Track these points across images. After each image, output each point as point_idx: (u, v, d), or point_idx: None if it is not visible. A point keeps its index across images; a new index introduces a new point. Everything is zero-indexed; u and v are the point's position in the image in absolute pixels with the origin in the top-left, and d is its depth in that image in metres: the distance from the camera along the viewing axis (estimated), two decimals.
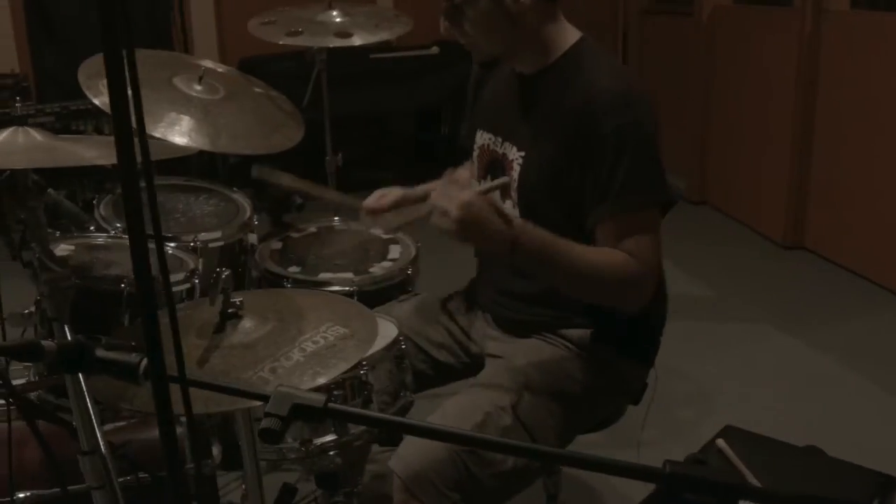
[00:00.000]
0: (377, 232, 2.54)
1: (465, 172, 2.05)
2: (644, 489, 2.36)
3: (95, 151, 1.34)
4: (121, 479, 1.59)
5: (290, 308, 1.45)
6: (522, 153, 1.78)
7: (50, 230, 1.83)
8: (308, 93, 3.11)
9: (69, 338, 1.29)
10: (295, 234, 2.51)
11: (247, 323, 1.38)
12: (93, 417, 1.30)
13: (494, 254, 1.65)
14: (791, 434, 2.77)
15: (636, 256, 1.67)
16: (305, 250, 2.43)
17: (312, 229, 2.56)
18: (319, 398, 0.90)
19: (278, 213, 2.55)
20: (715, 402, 3.06)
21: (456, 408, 1.74)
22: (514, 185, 1.79)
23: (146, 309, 0.88)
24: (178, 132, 2.26)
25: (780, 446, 1.87)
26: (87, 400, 1.29)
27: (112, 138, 0.82)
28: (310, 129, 3.11)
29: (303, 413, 0.89)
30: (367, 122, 5.25)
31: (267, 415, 0.88)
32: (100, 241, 1.99)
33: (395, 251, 2.43)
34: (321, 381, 1.25)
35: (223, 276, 1.33)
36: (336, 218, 2.61)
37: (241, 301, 1.39)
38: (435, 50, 4.61)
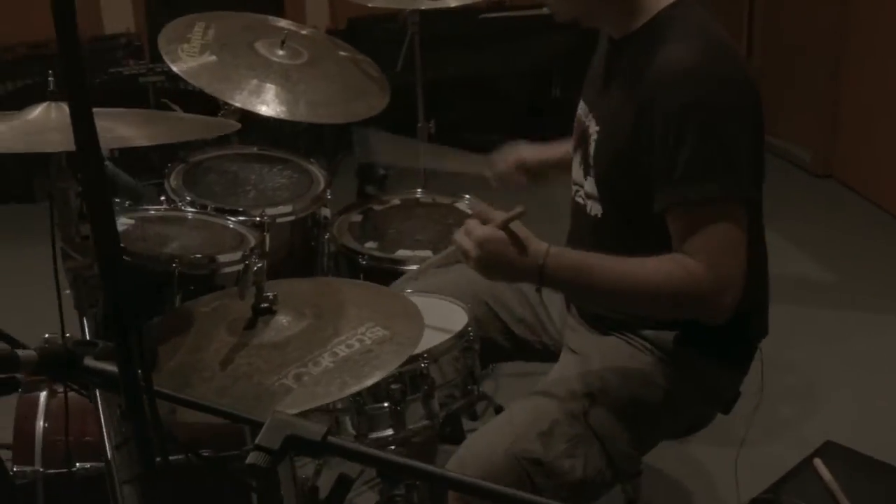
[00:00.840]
0: (463, 206, 2.42)
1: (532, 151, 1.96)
2: (724, 491, 2.20)
3: (134, 130, 1.24)
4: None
5: (330, 302, 1.35)
6: (598, 128, 1.63)
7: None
8: (401, 57, 2.99)
9: (87, 333, 1.22)
10: (377, 207, 2.41)
11: (281, 318, 1.29)
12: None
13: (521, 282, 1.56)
14: None
15: (701, 260, 1.46)
16: (386, 224, 2.33)
17: (396, 202, 2.45)
18: (318, 430, 0.79)
19: (361, 183, 2.44)
20: (826, 401, 2.83)
21: (523, 411, 1.61)
22: (591, 164, 1.64)
23: (114, 311, 0.77)
24: (256, 100, 2.19)
25: (886, 470, 1.67)
26: None
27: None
28: (404, 95, 3.02)
29: (297, 447, 0.78)
30: (475, 84, 5.11)
31: (256, 448, 0.78)
32: (160, 214, 1.93)
33: None
34: (349, 391, 1.14)
35: (255, 269, 1.23)
36: (419, 190, 2.49)
37: (275, 296, 1.29)
38: (547, 9, 4.40)
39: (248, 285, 1.26)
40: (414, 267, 2.09)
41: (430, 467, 0.75)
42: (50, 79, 1.35)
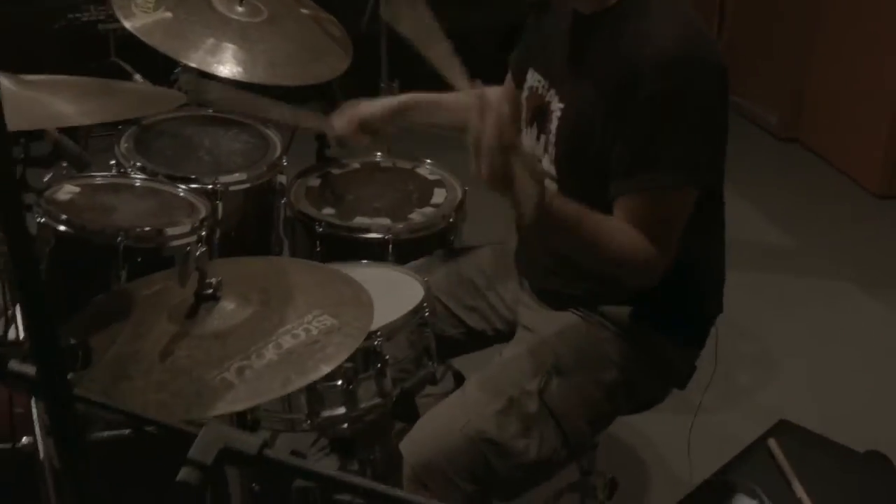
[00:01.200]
0: (424, 172, 2.38)
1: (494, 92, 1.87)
2: (678, 462, 2.21)
3: (73, 106, 1.17)
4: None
5: (278, 287, 1.31)
6: (562, 105, 1.58)
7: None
8: (367, 13, 2.92)
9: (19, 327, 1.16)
10: (336, 171, 2.35)
11: (226, 305, 1.25)
12: None
13: (517, 210, 1.41)
14: (859, 417, 2.59)
15: (655, 242, 1.47)
16: (345, 188, 2.28)
17: (356, 165, 2.39)
18: (254, 442, 0.76)
19: (321, 146, 2.38)
20: (781, 367, 2.85)
21: (478, 390, 1.60)
22: (553, 140, 1.60)
23: (32, 310, 0.72)
24: (213, 60, 2.12)
25: (838, 451, 1.68)
26: None
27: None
28: (369, 52, 2.94)
29: (232, 460, 0.75)
30: (449, 38, 5.03)
31: (188, 462, 0.75)
32: (108, 181, 1.86)
33: (439, 195, 2.26)
34: (291, 388, 1.11)
35: (197, 253, 1.18)
36: (379, 154, 2.44)
37: (218, 282, 1.24)
38: None
39: (189, 271, 1.21)
40: (374, 235, 2.06)
41: (372, 485, 0.73)
42: None
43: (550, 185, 1.55)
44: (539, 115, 1.66)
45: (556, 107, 1.60)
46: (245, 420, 1.36)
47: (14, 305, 1.16)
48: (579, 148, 1.54)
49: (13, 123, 1.10)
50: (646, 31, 1.46)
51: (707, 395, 1.90)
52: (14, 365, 0.82)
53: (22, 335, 1.12)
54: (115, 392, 1.10)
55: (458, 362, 2.41)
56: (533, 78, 1.69)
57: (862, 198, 4.02)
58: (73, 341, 0.97)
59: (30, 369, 0.83)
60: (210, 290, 1.23)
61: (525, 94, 1.72)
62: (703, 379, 1.81)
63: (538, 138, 1.66)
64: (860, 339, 3.00)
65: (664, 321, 1.65)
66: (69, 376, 0.81)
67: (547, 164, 1.62)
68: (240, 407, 1.08)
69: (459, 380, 2.52)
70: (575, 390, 1.60)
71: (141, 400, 1.09)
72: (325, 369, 1.17)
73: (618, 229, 1.48)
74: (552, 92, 1.62)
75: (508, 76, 1.88)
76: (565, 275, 1.67)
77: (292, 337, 1.20)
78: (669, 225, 1.49)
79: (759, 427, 2.38)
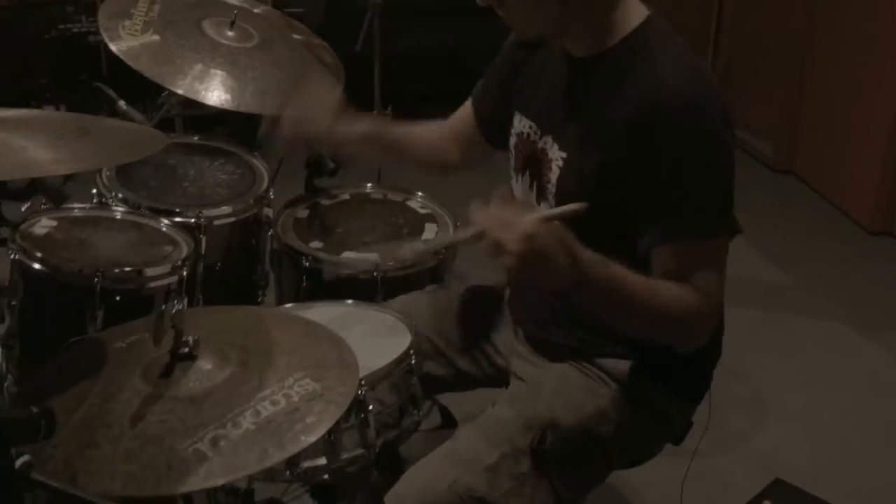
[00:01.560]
0: (415, 205, 2.32)
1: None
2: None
3: (49, 153, 1.09)
4: None
5: (258, 344, 1.24)
6: (564, 154, 1.52)
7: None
8: (360, 39, 2.87)
9: None
10: (325, 202, 2.29)
11: (203, 364, 1.18)
12: None
13: (553, 291, 1.38)
14: (852, 462, 2.54)
15: (702, 293, 1.42)
16: (334, 221, 2.22)
17: (345, 196, 2.34)
18: None
19: (310, 176, 2.32)
20: (775, 411, 2.79)
21: (469, 443, 1.53)
22: (552, 190, 1.54)
23: None
24: (200, 87, 2.06)
25: None
26: None
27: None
28: (364, 76, 2.89)
29: None
30: (440, 59, 4.97)
31: None
32: (86, 213, 1.79)
33: (430, 230, 2.20)
34: (269, 462, 1.05)
35: (173, 311, 1.12)
36: (370, 185, 2.38)
37: (195, 340, 1.18)
38: None
39: (164, 329, 1.14)
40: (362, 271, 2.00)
41: None
42: None
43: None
44: (532, 163, 1.60)
45: (557, 155, 1.53)
46: None
47: None
48: (585, 196, 1.48)
49: None
50: (654, 75, 1.41)
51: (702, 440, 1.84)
52: None
53: None
54: (80, 461, 1.03)
55: (445, 397, 2.35)
56: (522, 124, 1.63)
57: (856, 234, 3.99)
58: (34, 410, 0.90)
59: None
60: (186, 349, 1.17)
61: (513, 140, 1.66)
62: (698, 425, 1.76)
63: (531, 186, 1.61)
64: (854, 382, 2.95)
65: (664, 375, 1.59)
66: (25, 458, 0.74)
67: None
68: (213, 483, 1.02)
69: (446, 415, 2.47)
70: (570, 447, 1.54)
71: (108, 471, 1.02)
72: (305, 441, 1.10)
73: (663, 287, 1.42)
74: (548, 139, 1.56)
75: (467, 107, 1.81)
76: (561, 325, 1.62)
77: (271, 403, 1.13)
78: (714, 273, 1.45)
79: (752, 475, 2.34)
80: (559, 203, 1.52)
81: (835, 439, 2.66)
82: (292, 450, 1.08)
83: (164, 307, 1.11)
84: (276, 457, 1.06)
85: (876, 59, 3.97)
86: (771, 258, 3.68)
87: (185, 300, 1.15)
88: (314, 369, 1.21)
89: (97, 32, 4.40)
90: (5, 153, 1.02)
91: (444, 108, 1.92)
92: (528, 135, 1.61)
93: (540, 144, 1.57)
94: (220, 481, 1.02)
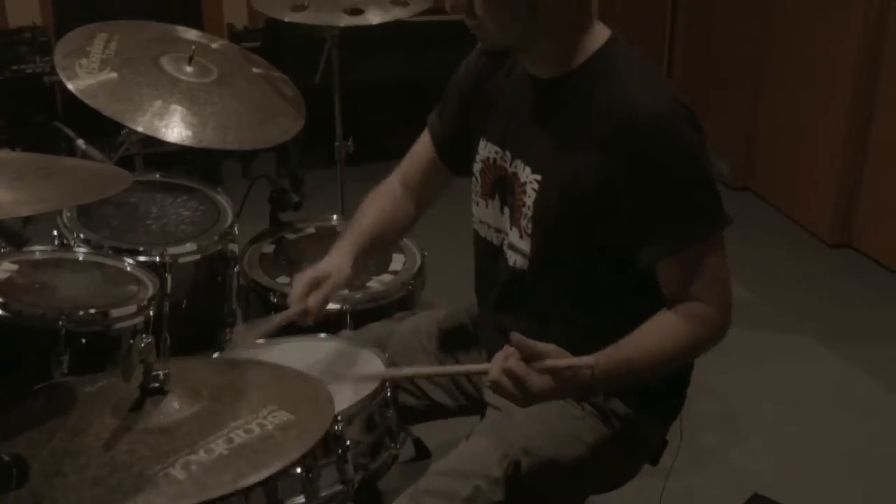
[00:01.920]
0: None
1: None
2: None
3: (8, 194, 1.07)
4: None
5: (231, 383, 1.22)
6: (538, 176, 1.52)
7: None
8: (320, 70, 2.87)
9: None
10: (290, 236, 2.29)
11: (172, 401, 1.16)
12: None
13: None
14: (829, 475, 2.56)
15: (709, 301, 1.47)
16: (300, 254, 2.21)
17: (311, 230, 2.33)
18: None
19: (274, 210, 2.31)
20: (746, 426, 2.81)
21: (444, 476, 1.52)
22: (528, 213, 1.54)
23: None
24: (160, 124, 2.04)
25: None
26: None
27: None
28: (325, 107, 2.88)
29: None
30: (398, 89, 4.98)
31: None
32: (48, 256, 1.76)
33: (398, 261, 2.20)
34: (244, 483, 1.02)
35: (142, 345, 1.10)
36: (335, 217, 2.38)
37: (165, 375, 1.15)
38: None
39: (133, 365, 1.12)
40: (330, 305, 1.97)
41: None
42: None
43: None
44: (501, 187, 1.60)
45: (530, 178, 1.53)
46: None
47: None
48: (566, 220, 1.50)
49: None
50: (624, 93, 1.43)
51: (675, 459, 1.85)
52: None
53: None
54: (47, 490, 1.00)
55: (419, 428, 2.33)
56: (487, 149, 1.64)
57: (815, 247, 4.04)
58: (5, 458, 0.87)
59: None
60: (157, 384, 1.14)
61: (478, 165, 1.66)
62: (671, 443, 1.76)
63: (502, 210, 1.61)
64: (822, 393, 2.98)
65: (639, 395, 1.59)
66: None
67: (516, 238, 1.57)
68: (185, 502, 0.99)
69: (420, 447, 2.45)
70: (544, 474, 1.53)
71: (74, 497, 1.00)
72: (280, 464, 1.08)
73: (668, 332, 1.47)
74: (518, 162, 1.56)
75: (425, 138, 1.80)
76: None
77: (245, 432, 1.11)
78: (720, 277, 1.49)
79: (728, 490, 2.35)
80: (538, 226, 1.52)
81: (806, 452, 2.68)
82: (266, 472, 1.05)
83: (131, 342, 1.09)
84: (251, 477, 1.04)
85: (829, 73, 4.05)
86: (733, 274, 3.71)
87: (152, 336, 1.13)
88: (289, 402, 1.19)
89: (52, 73, 4.39)
90: None
91: (403, 136, 1.92)
92: (495, 159, 1.61)
93: (511, 169, 1.58)
94: (192, 502, 0.99)
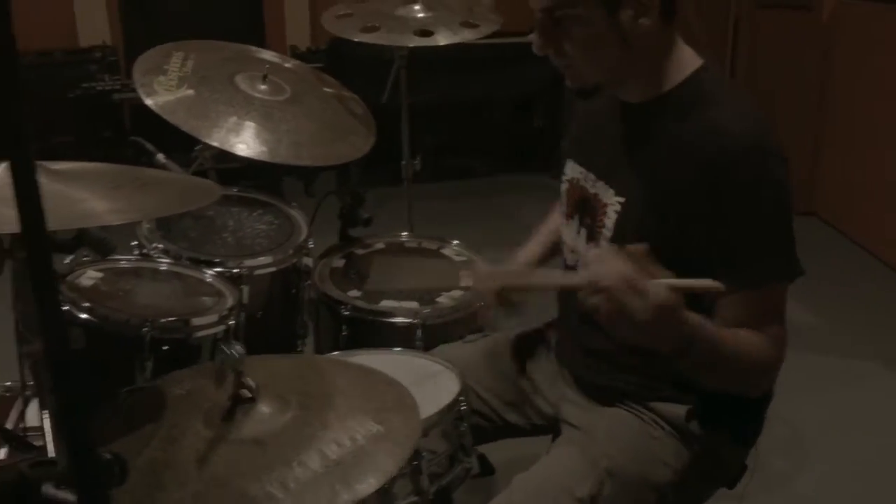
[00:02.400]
0: (449, 252, 2.32)
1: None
2: None
3: (105, 203, 1.10)
4: None
5: (316, 388, 1.23)
6: (621, 199, 1.51)
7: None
8: (387, 90, 2.90)
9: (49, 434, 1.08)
10: (360, 251, 2.30)
11: (263, 408, 1.17)
12: None
13: (656, 351, 1.35)
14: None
15: (772, 341, 1.43)
16: (369, 269, 2.22)
17: (380, 245, 2.34)
18: None
19: (344, 226, 2.33)
20: (814, 452, 2.76)
21: (525, 494, 1.50)
22: (608, 234, 1.53)
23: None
24: (235, 139, 2.07)
25: None
26: None
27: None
28: (390, 126, 2.91)
29: None
30: (462, 109, 5.00)
31: None
32: (131, 265, 1.80)
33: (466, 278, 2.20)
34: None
35: (235, 355, 1.11)
36: (405, 234, 2.39)
37: (255, 385, 1.17)
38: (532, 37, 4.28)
39: (225, 374, 1.14)
40: (401, 319, 1.99)
41: None
42: None
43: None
44: (583, 208, 1.60)
45: (613, 200, 1.52)
46: None
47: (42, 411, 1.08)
48: (645, 239, 1.43)
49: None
50: (717, 120, 1.40)
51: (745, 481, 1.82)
52: (49, 490, 0.75)
53: (51, 449, 1.04)
54: None
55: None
56: (573, 170, 1.63)
57: (879, 270, 3.98)
58: (108, 456, 0.89)
59: (68, 496, 0.76)
60: (248, 393, 1.16)
61: (564, 187, 1.66)
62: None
63: (579, 231, 1.61)
64: (889, 420, 2.92)
65: (721, 419, 1.57)
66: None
67: None
68: None
69: (483, 463, 2.43)
70: (628, 495, 1.51)
71: None
72: (375, 483, 1.08)
73: (744, 339, 1.42)
74: (601, 184, 1.55)
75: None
76: (613, 368, 1.60)
77: (337, 445, 1.12)
78: (782, 319, 1.46)
79: None
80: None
81: (874, 478, 2.62)
82: (362, 492, 1.06)
83: (224, 351, 1.11)
84: (345, 498, 1.05)
85: (893, 99, 4.00)
86: (799, 300, 3.65)
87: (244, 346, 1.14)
88: (375, 412, 1.20)
89: (121, 90, 4.50)
90: (64, 204, 1.02)
91: (465, 156, 1.93)
92: (579, 180, 1.61)
93: (592, 190, 1.57)
94: None
